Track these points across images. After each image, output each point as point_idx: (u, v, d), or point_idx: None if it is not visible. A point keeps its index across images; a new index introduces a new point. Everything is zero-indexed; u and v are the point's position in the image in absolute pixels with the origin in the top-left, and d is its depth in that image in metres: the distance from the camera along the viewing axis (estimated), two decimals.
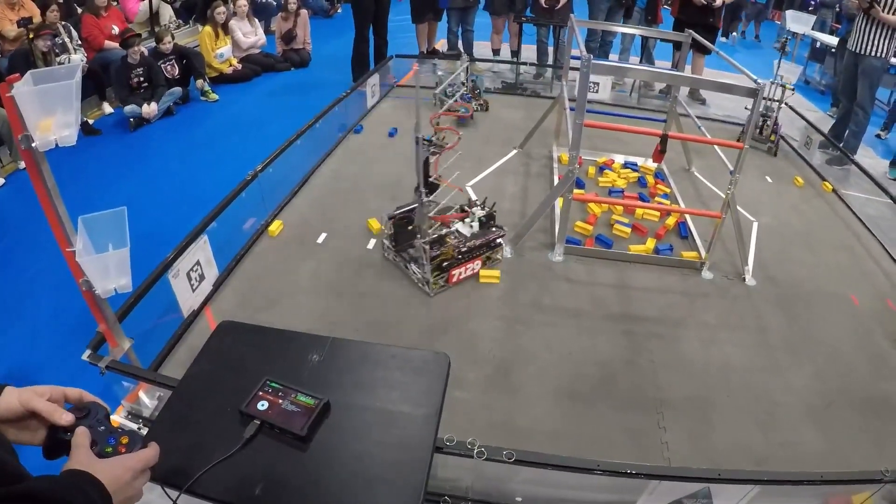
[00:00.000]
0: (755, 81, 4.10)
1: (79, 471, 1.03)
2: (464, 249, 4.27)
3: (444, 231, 4.33)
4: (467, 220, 4.48)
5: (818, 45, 11.53)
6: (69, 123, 2.29)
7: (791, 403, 3.58)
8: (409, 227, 4.37)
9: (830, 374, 3.83)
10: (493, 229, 4.50)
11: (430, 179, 3.99)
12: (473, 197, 4.93)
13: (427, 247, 4.09)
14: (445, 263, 4.21)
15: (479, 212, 4.51)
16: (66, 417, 1.17)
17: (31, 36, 6.74)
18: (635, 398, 3.53)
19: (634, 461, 2.60)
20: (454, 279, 4.32)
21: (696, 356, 3.87)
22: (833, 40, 10.88)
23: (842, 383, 3.77)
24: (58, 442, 1.18)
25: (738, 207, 4.70)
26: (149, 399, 3.36)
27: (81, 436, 1.14)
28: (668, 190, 5.84)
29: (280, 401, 1.59)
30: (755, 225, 5.40)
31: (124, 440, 1.19)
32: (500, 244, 4.54)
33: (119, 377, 3.13)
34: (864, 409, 3.59)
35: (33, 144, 2.34)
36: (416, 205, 4.09)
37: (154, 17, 10.09)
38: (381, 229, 4.36)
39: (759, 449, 3.26)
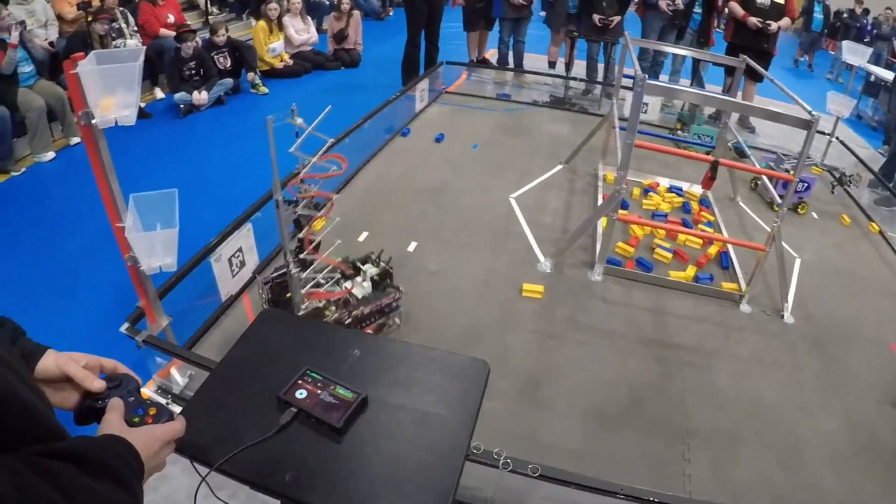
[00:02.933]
0: (809, 113, 4.04)
1: (116, 435, 1.06)
2: (347, 321, 3.58)
3: (323, 304, 3.56)
4: (358, 278, 3.78)
5: (872, 78, 11.36)
6: (129, 104, 2.37)
7: (817, 446, 3.52)
8: (287, 295, 3.66)
9: (861, 421, 3.75)
10: (389, 291, 3.81)
11: (302, 256, 3.38)
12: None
13: None
14: None
15: (371, 269, 3.85)
16: (97, 384, 1.20)
17: (89, 19, 6.86)
18: (662, 425, 3.50)
19: (655, 489, 2.59)
20: None
21: (728, 389, 3.83)
22: (889, 74, 10.70)
23: (871, 432, 3.68)
24: (89, 409, 1.20)
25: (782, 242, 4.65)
26: (180, 376, 3.44)
27: (116, 403, 1.17)
28: (712, 218, 5.78)
29: (319, 391, 1.59)
30: (798, 261, 5.32)
31: (152, 411, 1.21)
32: (397, 308, 3.86)
33: (154, 352, 3.21)
34: (891, 461, 3.51)
35: (93, 121, 2.40)
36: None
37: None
38: None
39: (781, 489, 3.22)
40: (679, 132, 7.72)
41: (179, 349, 3.31)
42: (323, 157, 3.24)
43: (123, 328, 3.15)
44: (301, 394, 1.58)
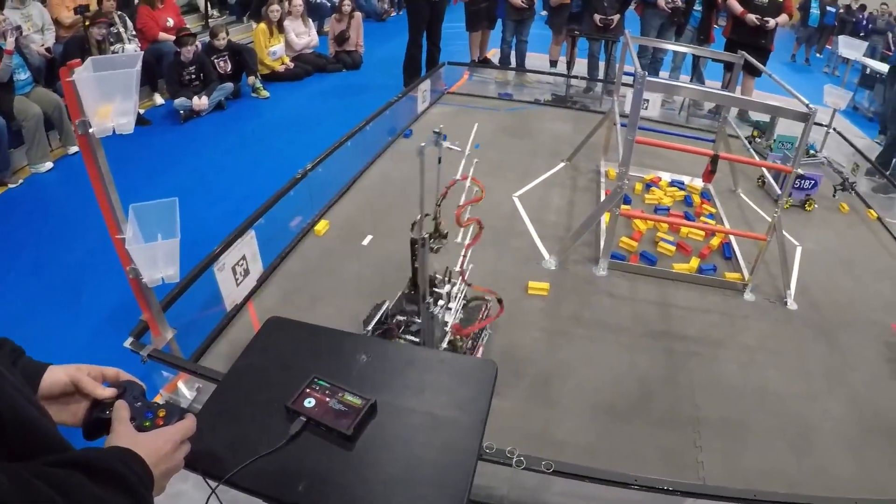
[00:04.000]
0: (807, 106, 4.11)
1: (121, 447, 1.06)
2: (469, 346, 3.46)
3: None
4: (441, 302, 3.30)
5: (868, 71, 11.42)
6: (127, 111, 2.29)
7: (826, 430, 3.57)
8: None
9: (867, 402, 3.81)
10: (475, 303, 3.84)
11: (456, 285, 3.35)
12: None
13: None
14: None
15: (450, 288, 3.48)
16: (106, 392, 1.22)
17: (86, 24, 6.80)
18: (672, 417, 3.54)
19: (669, 478, 2.63)
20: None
21: (735, 378, 3.88)
22: (884, 67, 10.74)
23: (878, 412, 3.74)
24: (97, 421, 1.21)
25: (783, 231, 4.71)
26: (188, 389, 3.39)
27: (121, 409, 1.16)
28: (713, 210, 5.84)
29: (327, 399, 1.58)
30: (798, 249, 5.39)
31: (161, 413, 1.21)
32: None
33: (159, 366, 3.15)
34: None
35: (90, 130, 2.34)
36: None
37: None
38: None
39: (793, 474, 3.27)
40: (757, 140, 7.72)
41: (186, 362, 3.25)
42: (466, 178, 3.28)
43: (127, 343, 3.08)
44: (309, 402, 1.57)
